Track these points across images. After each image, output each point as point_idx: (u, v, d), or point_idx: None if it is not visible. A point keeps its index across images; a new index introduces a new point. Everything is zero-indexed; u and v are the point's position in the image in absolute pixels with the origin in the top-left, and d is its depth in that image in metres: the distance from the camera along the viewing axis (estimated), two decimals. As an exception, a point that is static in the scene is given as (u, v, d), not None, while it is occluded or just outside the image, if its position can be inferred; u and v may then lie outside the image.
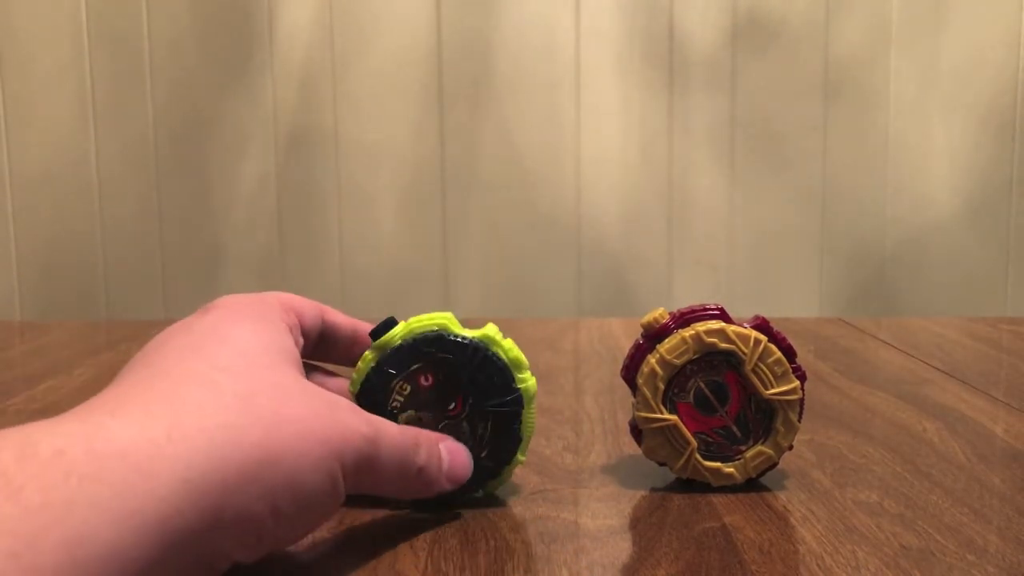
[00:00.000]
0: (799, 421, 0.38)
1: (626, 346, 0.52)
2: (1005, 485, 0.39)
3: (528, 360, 0.37)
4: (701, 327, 0.38)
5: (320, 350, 0.38)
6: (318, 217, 1.10)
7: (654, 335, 0.39)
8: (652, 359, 0.38)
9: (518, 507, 0.37)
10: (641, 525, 0.35)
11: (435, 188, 1.09)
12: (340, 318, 0.38)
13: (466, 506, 0.37)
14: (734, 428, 0.38)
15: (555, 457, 0.43)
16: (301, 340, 0.35)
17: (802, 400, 0.38)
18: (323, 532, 0.34)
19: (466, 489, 0.36)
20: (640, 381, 0.38)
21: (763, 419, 0.38)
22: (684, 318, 0.39)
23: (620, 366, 0.40)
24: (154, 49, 1.08)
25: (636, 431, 0.39)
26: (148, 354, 0.29)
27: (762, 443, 0.38)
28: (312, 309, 0.36)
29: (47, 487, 0.21)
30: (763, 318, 0.39)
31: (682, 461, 0.38)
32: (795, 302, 1.11)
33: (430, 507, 0.36)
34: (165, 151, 1.09)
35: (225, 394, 0.26)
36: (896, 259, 1.11)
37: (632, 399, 0.39)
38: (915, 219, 1.10)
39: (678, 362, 0.38)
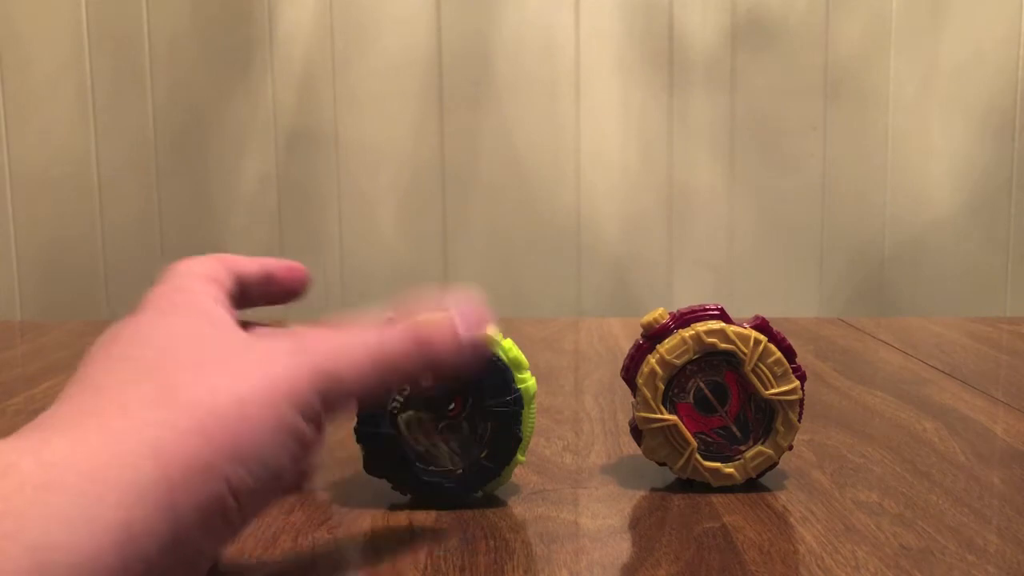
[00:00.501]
0: (799, 421, 0.38)
1: (626, 346, 0.52)
2: (1005, 485, 0.39)
3: (528, 360, 0.37)
4: (701, 327, 0.38)
5: (237, 302, 0.35)
6: (318, 217, 1.10)
7: (654, 335, 0.39)
8: (652, 359, 0.38)
9: (518, 507, 0.37)
10: (641, 525, 0.35)
11: (435, 188, 1.09)
12: (247, 264, 0.35)
13: (466, 506, 0.37)
14: (734, 428, 0.38)
15: (555, 457, 0.43)
16: (230, 304, 0.33)
17: (802, 400, 0.38)
18: (323, 532, 0.34)
19: (466, 489, 0.37)
20: (640, 381, 0.38)
21: (763, 419, 0.38)
22: (684, 318, 0.38)
23: (620, 366, 0.40)
24: (154, 49, 1.08)
25: (636, 431, 0.39)
26: (81, 369, 0.29)
27: (762, 443, 0.38)
28: (224, 271, 0.34)
29: (2, 497, 0.21)
30: (763, 318, 0.39)
31: (682, 461, 0.38)
32: (795, 302, 1.11)
33: (430, 507, 0.36)
34: (165, 151, 1.09)
35: (159, 393, 0.26)
36: (896, 259, 1.11)
37: (632, 399, 0.39)
38: (915, 219, 1.10)
39: (678, 362, 0.38)
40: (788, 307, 1.10)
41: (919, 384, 0.57)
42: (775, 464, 0.39)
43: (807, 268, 1.11)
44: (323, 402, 0.28)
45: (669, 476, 0.40)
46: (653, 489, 0.39)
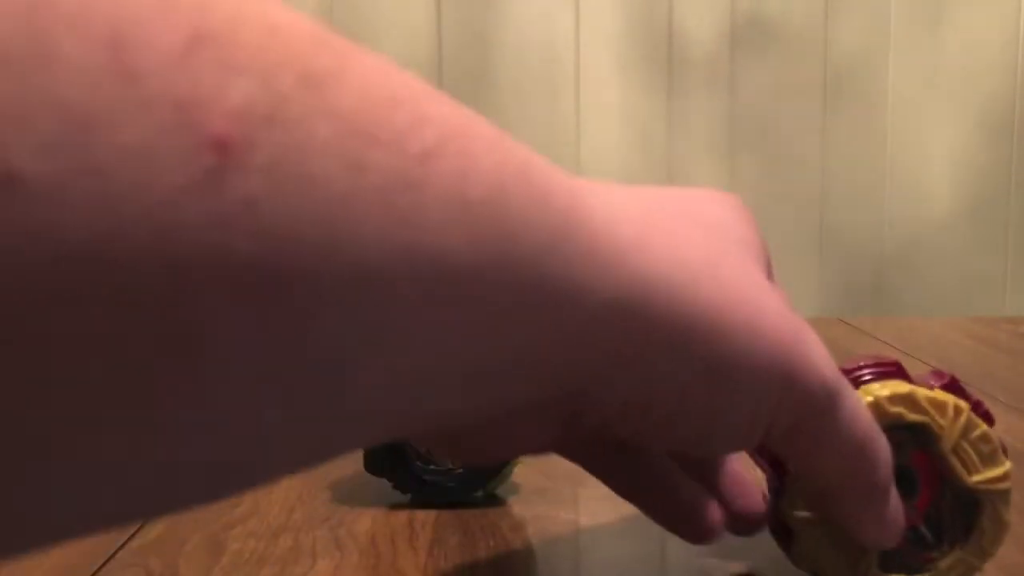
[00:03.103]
0: (1008, 515, 0.28)
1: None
2: (1005, 485, 0.39)
3: (528, 360, 0.37)
4: (881, 391, 0.27)
5: None
6: (318, 217, 1.10)
7: None
8: None
9: (518, 507, 0.37)
10: (642, 525, 0.35)
11: (435, 188, 1.09)
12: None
13: (466, 505, 0.37)
14: (923, 529, 0.28)
15: (555, 457, 0.43)
16: None
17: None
18: (323, 532, 0.34)
19: (467, 488, 0.36)
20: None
21: (963, 515, 0.28)
22: (851, 377, 0.29)
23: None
24: (154, 49, 1.08)
25: (784, 530, 0.28)
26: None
27: (961, 548, 0.28)
28: None
29: None
30: (951, 375, 0.28)
31: (853, 572, 0.28)
32: (794, 302, 1.10)
33: (430, 506, 0.36)
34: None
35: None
36: (895, 259, 1.11)
37: (768, 482, 0.29)
38: (914, 219, 1.10)
39: None
40: (788, 307, 1.11)
41: (919, 384, 0.56)
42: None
43: (806, 268, 1.11)
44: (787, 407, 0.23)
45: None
46: (653, 489, 0.39)
